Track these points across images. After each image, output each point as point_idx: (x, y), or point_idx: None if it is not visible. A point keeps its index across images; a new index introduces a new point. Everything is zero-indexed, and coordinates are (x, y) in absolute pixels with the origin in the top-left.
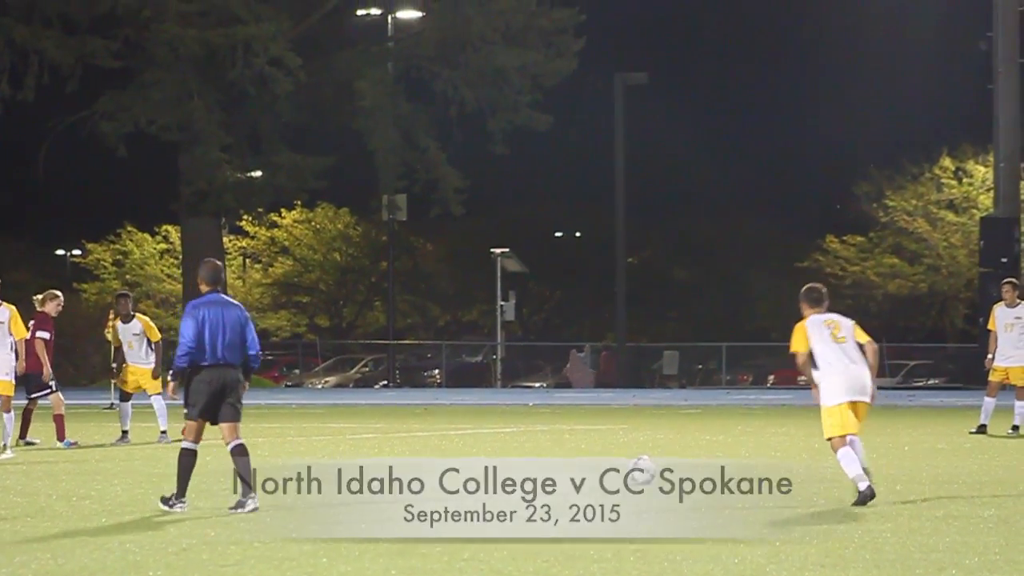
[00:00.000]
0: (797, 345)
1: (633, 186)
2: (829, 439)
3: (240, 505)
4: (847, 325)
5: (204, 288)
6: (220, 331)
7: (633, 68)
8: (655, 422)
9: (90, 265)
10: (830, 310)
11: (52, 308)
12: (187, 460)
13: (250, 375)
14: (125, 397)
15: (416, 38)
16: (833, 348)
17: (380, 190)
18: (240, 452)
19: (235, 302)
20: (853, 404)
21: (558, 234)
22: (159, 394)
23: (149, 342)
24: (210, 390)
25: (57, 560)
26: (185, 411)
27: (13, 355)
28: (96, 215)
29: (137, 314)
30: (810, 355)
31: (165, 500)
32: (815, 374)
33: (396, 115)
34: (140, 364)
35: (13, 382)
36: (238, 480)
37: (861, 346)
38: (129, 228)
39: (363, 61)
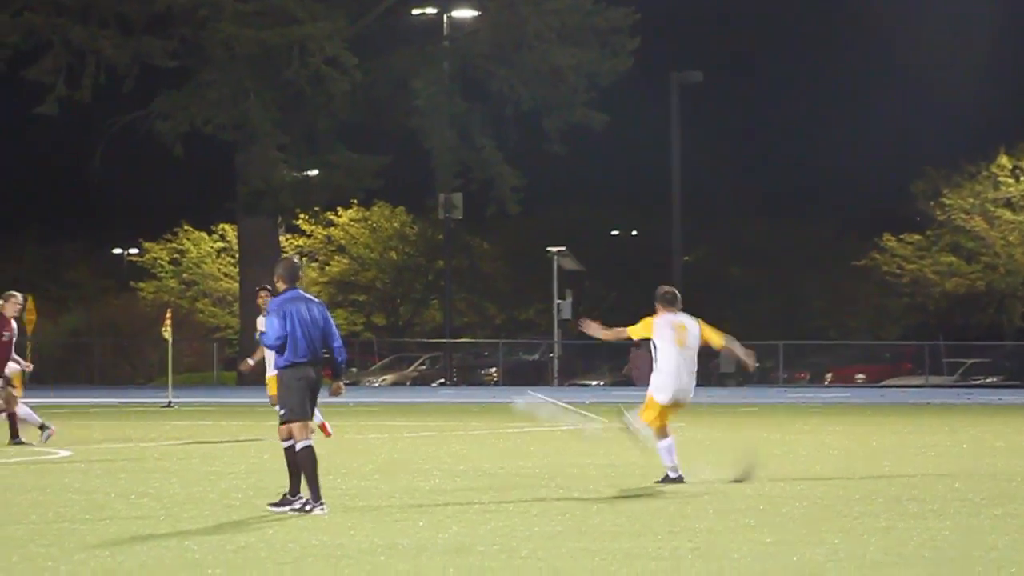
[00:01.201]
0: (635, 331)
1: (689, 184)
2: (646, 422)
3: (286, 503)
4: (694, 332)
5: (282, 286)
6: (308, 328)
7: (688, 67)
8: (713, 420)
9: (147, 264)
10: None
11: (10, 309)
12: (310, 457)
13: (342, 372)
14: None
15: (472, 37)
16: (675, 353)
17: (436, 189)
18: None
19: (315, 298)
20: (675, 405)
21: (614, 233)
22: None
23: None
24: (302, 387)
25: (116, 558)
26: (281, 413)
27: None
28: (153, 214)
29: None
30: (652, 346)
31: (299, 507)
32: (655, 371)
33: (452, 114)
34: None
35: None
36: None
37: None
38: (186, 227)
39: (419, 60)
